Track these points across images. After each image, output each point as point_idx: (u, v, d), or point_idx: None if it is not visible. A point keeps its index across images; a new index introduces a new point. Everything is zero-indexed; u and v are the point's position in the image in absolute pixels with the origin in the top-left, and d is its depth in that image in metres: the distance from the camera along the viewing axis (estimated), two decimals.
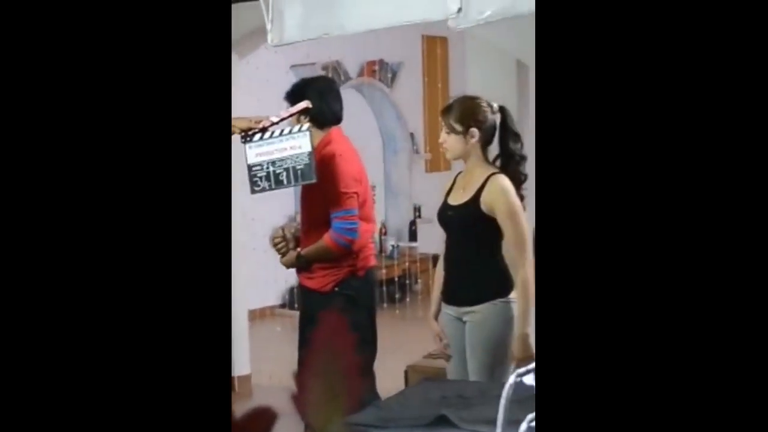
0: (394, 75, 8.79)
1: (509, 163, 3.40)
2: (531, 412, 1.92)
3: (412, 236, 9.00)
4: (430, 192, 8.99)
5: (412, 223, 9.09)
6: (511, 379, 1.82)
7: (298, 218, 4.41)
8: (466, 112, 3.36)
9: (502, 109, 3.44)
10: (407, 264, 8.46)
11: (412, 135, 9.11)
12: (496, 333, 3.34)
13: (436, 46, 9.31)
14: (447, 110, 3.41)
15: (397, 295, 8.23)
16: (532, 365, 1.88)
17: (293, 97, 3.73)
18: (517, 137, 3.43)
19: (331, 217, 3.71)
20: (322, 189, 3.68)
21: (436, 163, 9.47)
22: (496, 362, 3.34)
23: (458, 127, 3.34)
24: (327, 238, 3.72)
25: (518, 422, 1.91)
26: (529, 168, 3.26)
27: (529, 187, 3.35)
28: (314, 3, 2.95)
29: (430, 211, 8.85)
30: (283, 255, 3.88)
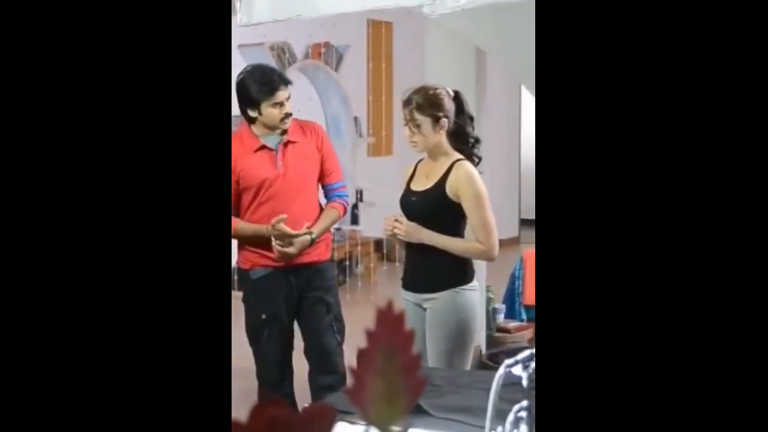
0: (341, 58, 8.73)
1: (465, 147, 3.42)
2: (516, 402, 1.93)
3: (354, 219, 8.98)
4: (372, 176, 9.03)
5: (354, 207, 9.06)
6: (501, 369, 1.82)
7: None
8: (432, 103, 3.35)
9: (457, 94, 3.45)
10: (348, 247, 8.45)
11: (356, 119, 9.07)
12: (457, 320, 3.35)
13: (381, 31, 9.29)
14: (411, 103, 3.37)
15: (339, 278, 8.21)
16: (521, 356, 1.88)
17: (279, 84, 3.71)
18: (471, 120, 3.47)
19: (333, 187, 3.90)
20: (318, 163, 3.84)
21: (379, 147, 9.47)
22: (456, 350, 3.35)
23: (426, 121, 3.33)
24: (337, 206, 3.88)
25: (504, 412, 1.91)
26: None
27: (485, 170, 3.43)
28: None
29: (372, 194, 8.91)
30: (290, 244, 3.74)
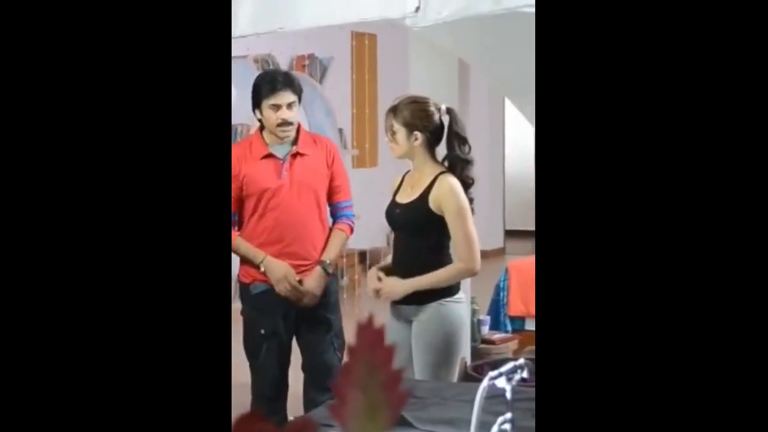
0: (325, 70, 8.74)
1: (455, 168, 3.41)
2: (500, 414, 1.93)
3: None
4: (357, 188, 9.00)
5: None
6: (485, 381, 1.82)
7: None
8: (412, 116, 3.35)
9: (450, 111, 3.44)
10: None
11: (340, 131, 9.07)
12: (443, 333, 3.35)
13: (365, 43, 9.30)
14: (393, 110, 3.39)
15: None
16: (504, 368, 1.88)
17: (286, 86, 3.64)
18: (463, 141, 3.42)
19: (340, 206, 3.82)
20: (326, 179, 3.75)
21: (363, 159, 9.47)
22: (442, 362, 3.35)
23: (401, 130, 3.34)
24: (344, 227, 3.80)
25: (488, 424, 1.91)
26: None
27: (476, 193, 3.41)
28: None
29: (357, 207, 8.91)
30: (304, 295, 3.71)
